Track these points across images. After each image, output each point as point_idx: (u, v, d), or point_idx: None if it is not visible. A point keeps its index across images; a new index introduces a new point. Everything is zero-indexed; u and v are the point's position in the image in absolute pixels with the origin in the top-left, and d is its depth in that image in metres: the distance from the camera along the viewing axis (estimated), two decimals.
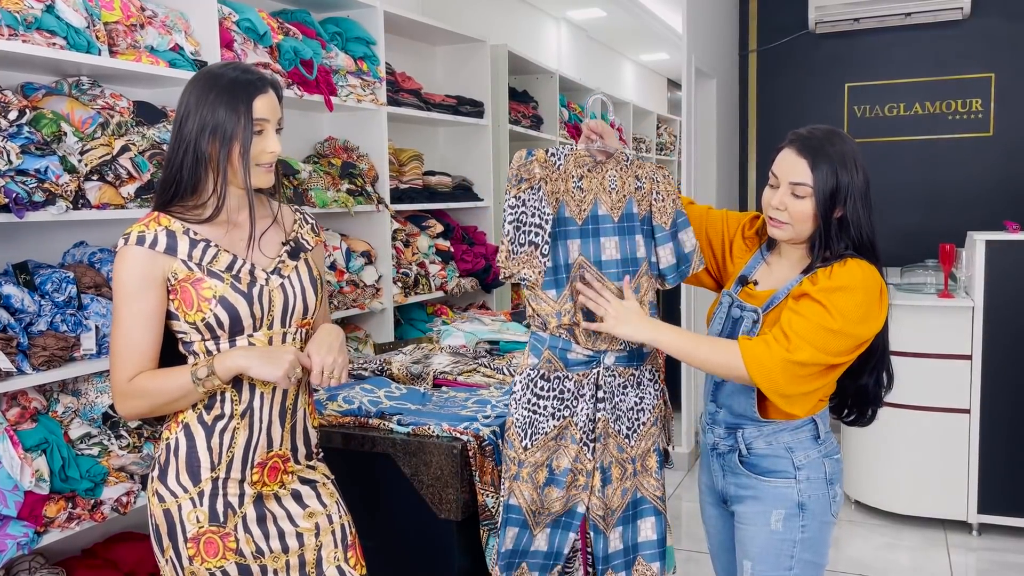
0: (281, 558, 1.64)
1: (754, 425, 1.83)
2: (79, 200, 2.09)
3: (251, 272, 1.61)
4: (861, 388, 1.89)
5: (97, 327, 2.14)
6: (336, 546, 1.71)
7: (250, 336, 1.60)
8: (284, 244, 1.69)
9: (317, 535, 1.69)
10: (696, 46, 4.59)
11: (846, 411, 1.95)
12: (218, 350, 1.59)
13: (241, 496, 1.61)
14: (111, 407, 2.16)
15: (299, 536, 1.66)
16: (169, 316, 1.58)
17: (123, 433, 2.18)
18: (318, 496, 1.71)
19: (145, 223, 1.56)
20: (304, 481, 1.71)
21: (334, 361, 1.60)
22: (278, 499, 1.66)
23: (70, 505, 2.02)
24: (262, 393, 1.62)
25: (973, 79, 5.17)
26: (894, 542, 3.68)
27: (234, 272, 1.59)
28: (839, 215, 1.74)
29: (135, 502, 2.16)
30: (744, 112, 5.77)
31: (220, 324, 1.56)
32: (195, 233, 1.57)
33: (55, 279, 2.08)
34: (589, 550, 2.45)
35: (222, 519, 1.59)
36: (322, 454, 1.81)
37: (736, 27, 5.70)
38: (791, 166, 1.74)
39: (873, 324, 1.72)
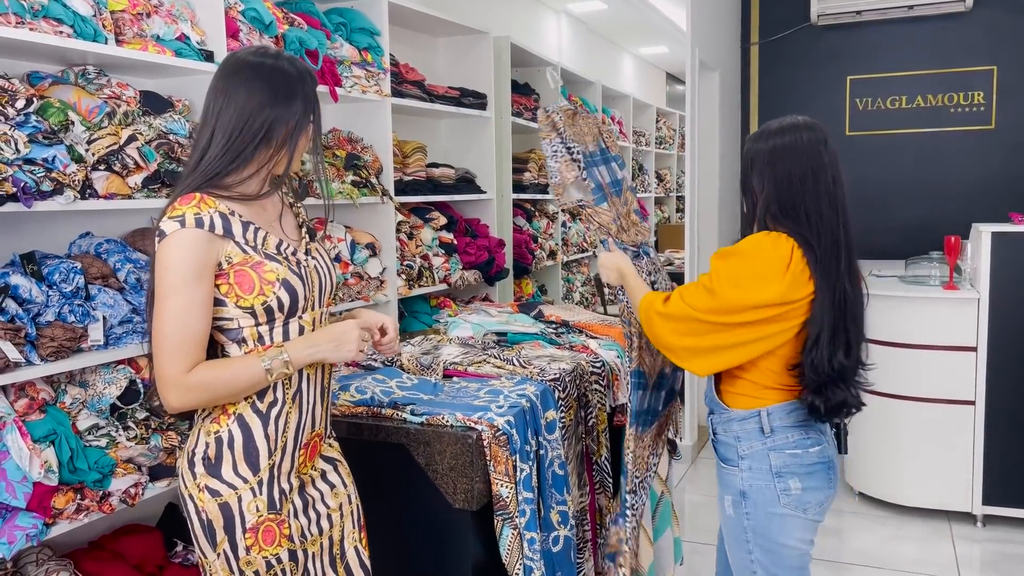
0: (317, 541, 1.66)
1: (716, 412, 1.93)
2: (87, 190, 2.07)
3: (294, 253, 1.60)
4: (814, 367, 1.76)
5: (104, 318, 2.11)
6: (353, 526, 1.75)
7: (300, 318, 1.59)
8: (301, 227, 1.70)
9: (341, 515, 1.72)
10: (699, 39, 4.57)
11: (812, 399, 1.79)
12: (271, 334, 1.56)
13: (291, 481, 1.61)
14: (119, 398, 2.14)
15: (329, 517, 1.69)
16: (215, 303, 1.52)
17: (131, 424, 2.16)
18: (339, 474, 1.74)
19: (196, 205, 1.48)
20: (326, 459, 1.73)
21: (394, 325, 1.69)
22: (312, 481, 1.68)
23: (78, 497, 2.00)
24: (308, 375, 1.62)
25: (975, 72, 5.18)
26: (899, 534, 3.68)
27: (282, 253, 1.57)
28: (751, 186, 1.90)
29: (143, 494, 2.14)
30: (746, 105, 5.77)
31: (281, 306, 1.54)
32: (240, 215, 1.53)
33: (62, 269, 2.06)
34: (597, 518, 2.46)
35: (278, 506, 1.58)
36: (335, 434, 1.84)
37: (738, 20, 5.70)
38: None
39: (751, 291, 1.73)
